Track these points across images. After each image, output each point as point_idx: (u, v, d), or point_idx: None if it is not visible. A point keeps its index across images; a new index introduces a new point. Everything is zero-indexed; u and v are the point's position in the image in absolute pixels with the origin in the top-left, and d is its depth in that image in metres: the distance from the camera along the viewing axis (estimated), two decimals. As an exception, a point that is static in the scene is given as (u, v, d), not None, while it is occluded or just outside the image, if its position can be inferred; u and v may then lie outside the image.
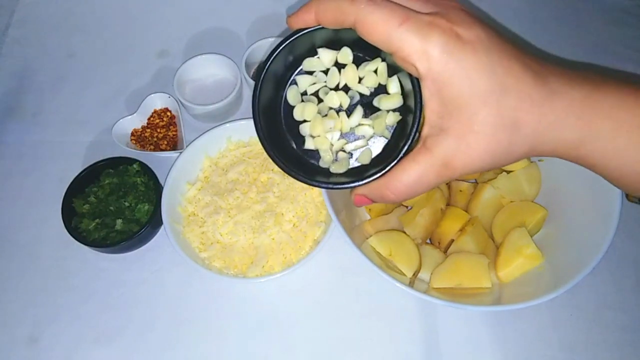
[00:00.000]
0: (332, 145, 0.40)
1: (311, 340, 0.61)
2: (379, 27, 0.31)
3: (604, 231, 0.52)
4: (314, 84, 0.40)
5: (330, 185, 0.38)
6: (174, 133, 0.74)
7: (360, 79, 0.39)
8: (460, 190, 0.64)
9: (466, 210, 0.63)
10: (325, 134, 0.39)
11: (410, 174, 0.34)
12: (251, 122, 0.71)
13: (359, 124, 0.39)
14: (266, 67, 0.38)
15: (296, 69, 0.40)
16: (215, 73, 0.77)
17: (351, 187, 0.37)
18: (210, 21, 0.85)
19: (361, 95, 0.40)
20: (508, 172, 0.63)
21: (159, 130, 0.73)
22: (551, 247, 0.58)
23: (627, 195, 0.40)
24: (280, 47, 0.37)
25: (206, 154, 0.69)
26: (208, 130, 0.68)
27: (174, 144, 0.73)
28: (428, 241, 0.63)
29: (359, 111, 0.39)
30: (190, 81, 0.76)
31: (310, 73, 0.40)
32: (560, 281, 0.52)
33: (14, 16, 0.87)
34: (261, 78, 0.38)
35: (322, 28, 0.36)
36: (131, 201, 0.65)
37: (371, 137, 0.39)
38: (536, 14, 0.85)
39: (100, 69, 0.81)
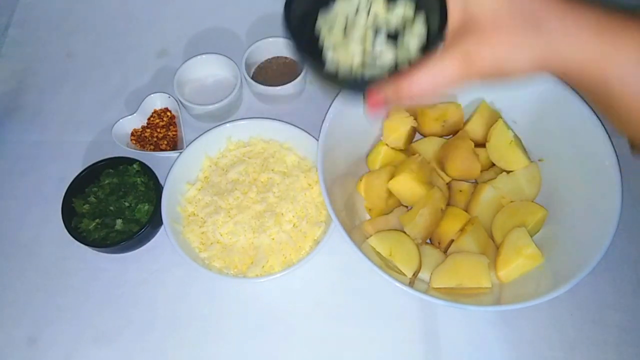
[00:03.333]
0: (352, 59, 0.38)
1: (311, 340, 0.61)
2: None
3: (604, 231, 0.53)
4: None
5: (352, 80, 0.36)
6: (174, 133, 0.74)
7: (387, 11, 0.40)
8: (460, 191, 0.64)
9: (466, 211, 0.63)
10: (348, 47, 0.38)
11: (434, 66, 0.34)
12: (251, 122, 0.71)
13: (381, 50, 0.38)
14: None
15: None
16: (215, 73, 0.77)
17: (376, 81, 0.35)
18: (210, 21, 0.85)
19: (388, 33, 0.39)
20: (508, 172, 0.63)
21: (159, 130, 0.73)
22: (551, 247, 0.58)
23: (632, 148, 0.37)
24: None
25: (206, 154, 0.69)
26: (208, 130, 0.68)
27: (174, 144, 0.73)
28: (428, 241, 0.63)
29: (382, 35, 0.38)
30: (190, 81, 0.76)
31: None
32: (560, 281, 0.52)
33: (14, 16, 0.87)
34: None
35: None
36: (131, 201, 0.65)
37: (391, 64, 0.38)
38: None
39: (100, 69, 0.81)
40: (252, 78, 0.73)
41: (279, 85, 0.71)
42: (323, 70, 0.38)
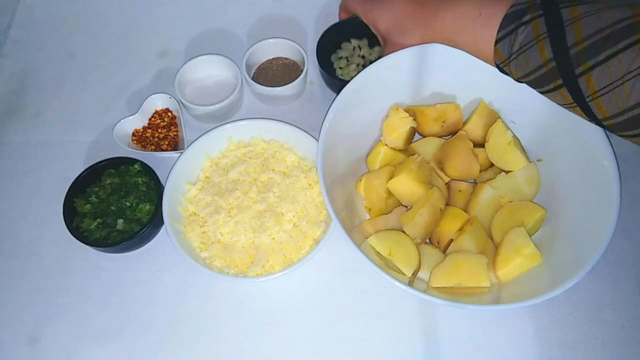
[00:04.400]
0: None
1: (311, 340, 0.61)
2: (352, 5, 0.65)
3: (603, 230, 0.53)
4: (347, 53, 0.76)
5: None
6: (175, 133, 0.74)
7: (370, 53, 0.75)
8: (460, 190, 0.64)
9: (465, 210, 0.63)
10: (349, 68, 0.75)
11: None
12: (251, 122, 0.72)
13: None
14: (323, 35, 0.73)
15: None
16: (215, 74, 0.78)
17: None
18: (211, 22, 0.85)
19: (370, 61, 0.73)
20: (507, 172, 0.63)
21: (160, 130, 0.73)
22: (550, 246, 0.59)
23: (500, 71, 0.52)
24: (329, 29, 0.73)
25: (207, 154, 0.69)
26: (209, 131, 0.68)
27: (175, 144, 0.73)
28: (427, 241, 0.63)
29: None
30: (191, 82, 0.77)
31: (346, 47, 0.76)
32: (559, 280, 0.52)
33: (15, 17, 0.87)
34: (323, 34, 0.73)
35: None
36: (132, 201, 0.65)
37: None
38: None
39: (101, 69, 0.82)
40: (253, 79, 0.73)
41: (279, 86, 0.71)
42: (334, 79, 0.71)
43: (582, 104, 0.44)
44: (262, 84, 0.72)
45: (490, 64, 0.51)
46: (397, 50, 0.58)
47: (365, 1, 0.62)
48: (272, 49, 0.76)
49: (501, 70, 0.50)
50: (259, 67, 0.77)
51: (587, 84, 0.41)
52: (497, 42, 0.47)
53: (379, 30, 0.60)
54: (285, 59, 0.77)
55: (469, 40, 0.51)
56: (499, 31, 0.47)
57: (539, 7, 0.44)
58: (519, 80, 0.49)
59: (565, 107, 0.46)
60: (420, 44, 0.56)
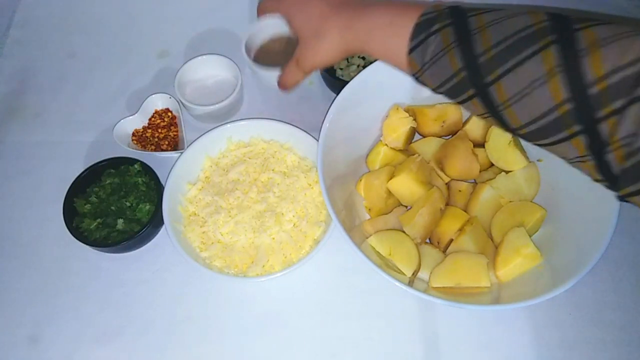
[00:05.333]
0: None
1: (311, 340, 0.61)
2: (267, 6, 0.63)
3: (603, 231, 0.53)
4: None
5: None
6: (175, 133, 0.74)
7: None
8: (460, 190, 0.64)
9: (465, 210, 0.63)
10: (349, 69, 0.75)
11: (287, 68, 0.59)
12: (251, 122, 0.72)
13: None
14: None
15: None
16: (215, 74, 0.78)
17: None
18: (211, 22, 0.85)
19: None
20: (507, 172, 0.63)
21: (160, 130, 0.73)
22: (550, 246, 0.59)
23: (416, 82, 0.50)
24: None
25: (207, 154, 0.69)
26: (209, 131, 0.68)
27: (175, 144, 0.73)
28: (427, 241, 0.63)
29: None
30: (190, 82, 0.77)
31: None
32: (559, 281, 0.52)
33: (15, 17, 0.87)
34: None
35: None
36: (132, 201, 0.65)
37: None
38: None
39: (101, 69, 0.82)
40: (253, 60, 0.66)
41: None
42: (335, 80, 0.72)
43: (495, 113, 0.42)
44: (266, 67, 0.64)
45: (407, 74, 0.49)
46: (312, 50, 0.54)
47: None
48: (272, 28, 0.68)
49: (418, 81, 0.48)
50: (260, 47, 0.69)
51: (497, 92, 0.41)
52: (409, 52, 0.46)
53: (293, 28, 0.57)
54: (288, 37, 0.67)
55: (381, 50, 0.50)
56: (410, 41, 0.46)
57: (448, 16, 0.44)
58: (435, 91, 0.47)
59: (481, 117, 0.45)
60: (335, 48, 0.53)
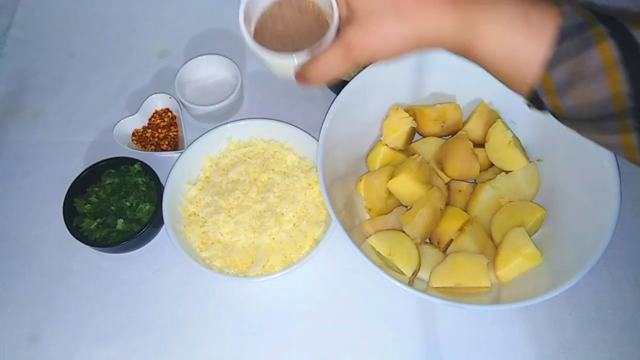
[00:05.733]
0: None
1: (311, 340, 0.61)
2: None
3: (603, 230, 0.53)
4: None
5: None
6: (175, 133, 0.74)
7: None
8: (460, 190, 0.64)
9: (465, 210, 0.63)
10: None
11: (324, 55, 0.41)
12: (251, 122, 0.72)
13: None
14: None
15: None
16: (215, 74, 0.78)
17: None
18: (211, 22, 0.85)
19: None
20: (507, 172, 0.63)
21: (160, 130, 0.73)
22: (550, 246, 0.59)
23: (526, 103, 0.40)
24: None
25: (207, 154, 0.69)
26: (209, 131, 0.68)
27: (175, 144, 0.73)
28: (427, 241, 0.63)
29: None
30: (190, 82, 0.77)
31: None
32: (559, 280, 0.52)
33: (15, 17, 0.87)
34: None
35: None
36: (132, 201, 0.65)
37: None
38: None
39: (101, 69, 0.82)
40: (253, 38, 0.43)
41: (296, 51, 0.42)
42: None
43: None
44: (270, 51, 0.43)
45: (514, 88, 0.38)
46: (381, 33, 0.38)
47: None
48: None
49: (533, 100, 0.37)
50: (263, 15, 0.46)
51: None
52: (549, 64, 0.34)
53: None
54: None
55: (499, 51, 0.36)
56: (552, 49, 0.34)
57: (601, 23, 0.34)
58: (561, 117, 0.37)
59: (626, 158, 0.36)
60: (418, 36, 0.38)
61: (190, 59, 0.75)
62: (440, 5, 0.37)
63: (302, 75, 0.43)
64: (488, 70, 0.39)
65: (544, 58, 0.35)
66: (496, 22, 0.36)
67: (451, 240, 0.61)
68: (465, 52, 0.38)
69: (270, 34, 0.45)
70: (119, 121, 0.72)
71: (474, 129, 0.66)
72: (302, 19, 0.45)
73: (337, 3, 0.41)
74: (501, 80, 0.39)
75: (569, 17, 0.35)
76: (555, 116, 0.38)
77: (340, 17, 0.41)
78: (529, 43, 0.35)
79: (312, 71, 0.42)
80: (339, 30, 0.42)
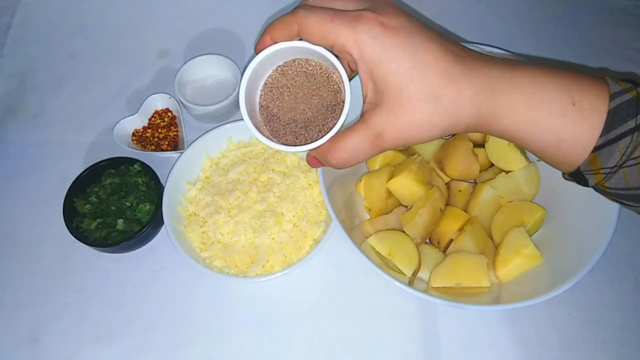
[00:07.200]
0: None
1: (311, 340, 0.61)
2: (315, 28, 0.36)
3: (603, 231, 0.53)
4: None
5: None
6: (175, 133, 0.74)
7: None
8: (460, 190, 0.64)
9: (465, 210, 0.63)
10: None
11: (349, 142, 0.37)
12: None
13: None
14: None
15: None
16: (215, 74, 0.78)
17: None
18: (211, 22, 0.85)
19: None
20: (507, 172, 0.63)
21: (160, 130, 0.73)
22: (550, 246, 0.59)
23: (563, 174, 0.40)
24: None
25: (207, 154, 0.69)
26: (209, 131, 0.68)
27: (175, 144, 0.73)
28: (427, 241, 0.63)
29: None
30: (190, 82, 0.77)
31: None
32: (559, 280, 0.52)
33: (15, 17, 0.87)
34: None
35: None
36: (132, 201, 0.65)
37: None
38: (535, 15, 0.85)
39: (101, 69, 0.82)
40: (262, 116, 0.44)
41: (311, 140, 0.41)
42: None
43: None
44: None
45: (556, 166, 0.38)
46: (415, 122, 0.35)
47: (343, 19, 0.35)
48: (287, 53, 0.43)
49: (574, 175, 0.37)
50: (270, 77, 0.43)
51: None
52: (597, 147, 0.34)
53: (378, 75, 0.35)
54: (307, 62, 0.42)
55: (548, 140, 0.35)
56: (604, 132, 0.33)
57: None
58: (605, 193, 0.38)
59: None
60: (451, 124, 0.35)
61: (190, 59, 0.75)
62: (479, 92, 0.34)
63: (318, 160, 0.40)
64: (529, 150, 0.38)
65: (594, 143, 0.34)
66: (540, 109, 0.34)
67: (451, 240, 0.61)
68: (501, 135, 0.37)
69: (277, 109, 0.43)
70: (119, 121, 0.72)
71: (474, 129, 0.66)
72: (310, 86, 0.42)
73: (361, 80, 0.37)
74: (542, 159, 0.38)
75: (615, 96, 0.34)
76: (597, 191, 0.38)
77: (363, 96, 0.38)
78: (578, 129, 0.34)
79: (334, 156, 0.38)
80: (362, 104, 0.38)
